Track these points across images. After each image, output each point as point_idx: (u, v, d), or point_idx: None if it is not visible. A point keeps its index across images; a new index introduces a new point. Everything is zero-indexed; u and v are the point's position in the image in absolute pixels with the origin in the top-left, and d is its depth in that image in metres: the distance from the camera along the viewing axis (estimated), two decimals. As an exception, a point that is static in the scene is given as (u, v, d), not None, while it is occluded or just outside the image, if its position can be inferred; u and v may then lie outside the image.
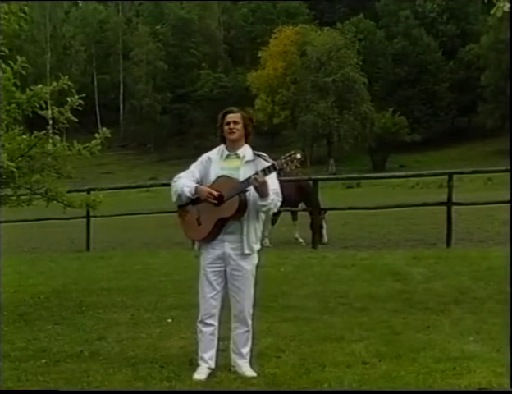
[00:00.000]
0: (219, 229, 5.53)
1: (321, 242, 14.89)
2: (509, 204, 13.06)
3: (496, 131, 59.03)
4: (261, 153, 5.60)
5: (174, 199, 5.66)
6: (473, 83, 66.85)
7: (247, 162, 5.58)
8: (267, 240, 15.17)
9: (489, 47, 63.50)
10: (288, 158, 5.31)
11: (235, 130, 5.58)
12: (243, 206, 5.45)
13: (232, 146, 5.64)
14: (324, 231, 15.16)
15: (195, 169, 5.69)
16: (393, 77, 70.13)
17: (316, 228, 14.81)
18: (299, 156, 5.30)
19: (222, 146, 5.71)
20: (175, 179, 5.68)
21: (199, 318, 5.70)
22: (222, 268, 5.61)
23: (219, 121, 5.69)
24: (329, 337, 6.62)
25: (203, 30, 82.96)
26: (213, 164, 5.63)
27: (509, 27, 35.75)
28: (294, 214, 15.84)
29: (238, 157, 5.62)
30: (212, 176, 5.57)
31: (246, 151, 5.64)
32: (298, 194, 15.21)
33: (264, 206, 5.46)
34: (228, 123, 5.60)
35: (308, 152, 66.57)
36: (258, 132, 69.63)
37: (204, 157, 5.74)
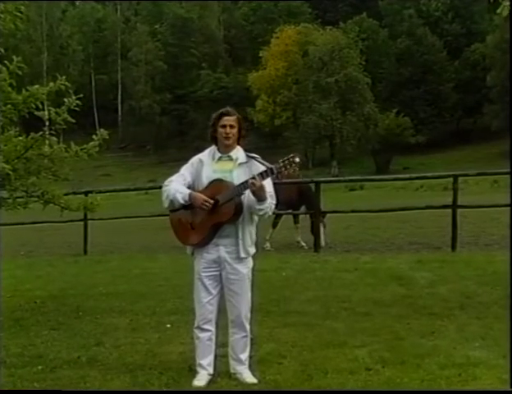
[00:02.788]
0: (214, 233, 5.51)
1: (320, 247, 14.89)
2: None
3: (501, 133, 58.94)
4: (254, 155, 5.58)
5: (166, 204, 5.60)
6: (479, 83, 66.87)
7: (240, 164, 5.54)
8: (268, 244, 15.17)
9: (495, 46, 63.47)
10: (286, 162, 5.28)
11: (230, 135, 5.53)
12: (239, 210, 5.44)
13: (225, 148, 5.59)
14: (321, 235, 15.11)
15: (186, 172, 5.63)
16: (397, 77, 70.15)
17: (316, 232, 14.81)
18: (297, 159, 5.27)
19: (214, 148, 5.65)
20: (166, 183, 5.61)
21: (196, 324, 5.69)
22: (218, 272, 5.59)
23: (212, 120, 5.62)
24: (331, 343, 6.62)
25: (203, 30, 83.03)
26: (205, 167, 5.58)
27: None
28: (295, 217, 15.84)
29: (231, 159, 5.58)
30: (205, 179, 5.52)
31: (239, 153, 5.60)
32: (299, 197, 15.22)
33: (261, 210, 5.44)
34: (224, 126, 5.53)
35: (310, 154, 66.73)
36: (259, 133, 70.06)
37: (195, 159, 5.68)
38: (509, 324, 6.60)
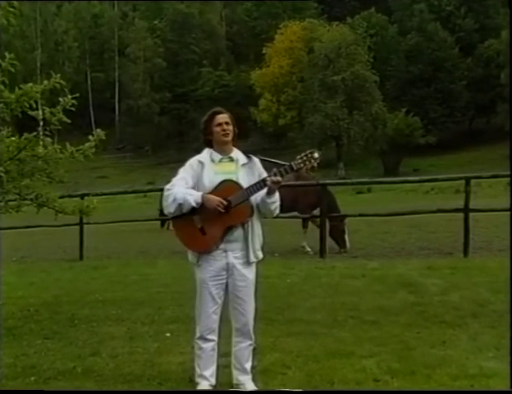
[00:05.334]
0: (223, 238, 5.47)
1: (343, 250, 15.08)
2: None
3: (516, 133, 58.96)
4: (251, 155, 5.58)
5: (172, 209, 5.42)
6: (493, 81, 66.77)
7: (243, 165, 5.53)
8: (307, 247, 15.37)
9: (510, 42, 63.36)
10: (305, 158, 5.27)
11: (228, 132, 5.51)
12: (252, 211, 5.45)
13: (223, 149, 5.55)
14: (346, 237, 15.29)
15: (187, 175, 5.53)
16: (406, 75, 70.20)
17: (339, 235, 15.19)
18: (316, 155, 5.27)
19: (210, 150, 5.60)
20: (168, 187, 5.49)
21: (199, 334, 5.61)
22: (225, 280, 5.52)
23: (204, 124, 5.58)
24: (338, 353, 6.61)
25: (203, 26, 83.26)
26: (206, 169, 5.51)
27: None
28: (304, 221, 15.85)
29: (232, 160, 5.55)
30: (207, 182, 5.45)
31: (238, 154, 5.59)
32: (318, 200, 15.29)
33: (273, 203, 5.43)
34: (220, 124, 5.51)
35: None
36: (262, 134, 70.02)
37: (194, 161, 5.59)
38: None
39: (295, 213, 15.73)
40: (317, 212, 15.44)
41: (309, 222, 15.87)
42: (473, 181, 14.61)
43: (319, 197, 15.21)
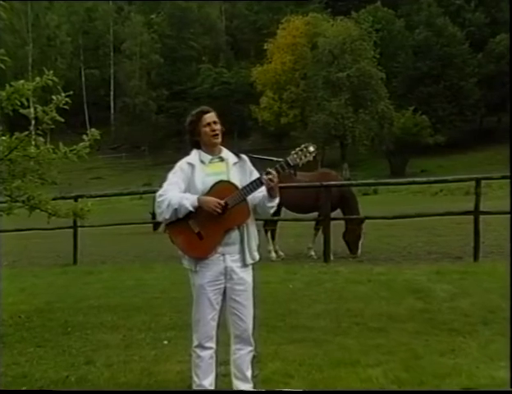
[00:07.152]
0: (221, 241, 5.47)
1: (353, 256, 15.20)
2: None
3: (529, 132, 58.86)
4: (240, 154, 5.59)
5: (167, 215, 5.37)
6: (504, 78, 66.53)
7: (234, 164, 5.52)
8: (312, 252, 15.42)
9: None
10: (300, 153, 5.27)
11: (218, 132, 5.48)
12: (249, 213, 5.44)
13: (212, 150, 5.52)
14: (360, 243, 15.43)
15: (178, 179, 5.48)
16: (414, 72, 70.12)
17: (354, 239, 15.35)
18: (311, 148, 5.26)
19: (198, 151, 5.56)
20: (161, 193, 5.41)
21: (197, 343, 5.56)
22: (223, 285, 5.50)
23: (191, 125, 5.53)
24: (342, 361, 6.60)
25: (202, 20, 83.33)
26: (197, 171, 5.48)
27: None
28: (318, 223, 15.86)
29: (222, 160, 5.53)
30: (199, 184, 5.42)
31: (227, 153, 5.58)
32: (338, 200, 15.34)
33: (272, 207, 5.45)
34: (208, 124, 5.47)
35: (320, 155, 66.65)
36: (263, 133, 70.02)
37: (183, 164, 5.54)
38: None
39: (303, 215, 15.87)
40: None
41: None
42: (483, 183, 14.61)
43: (342, 198, 15.40)
